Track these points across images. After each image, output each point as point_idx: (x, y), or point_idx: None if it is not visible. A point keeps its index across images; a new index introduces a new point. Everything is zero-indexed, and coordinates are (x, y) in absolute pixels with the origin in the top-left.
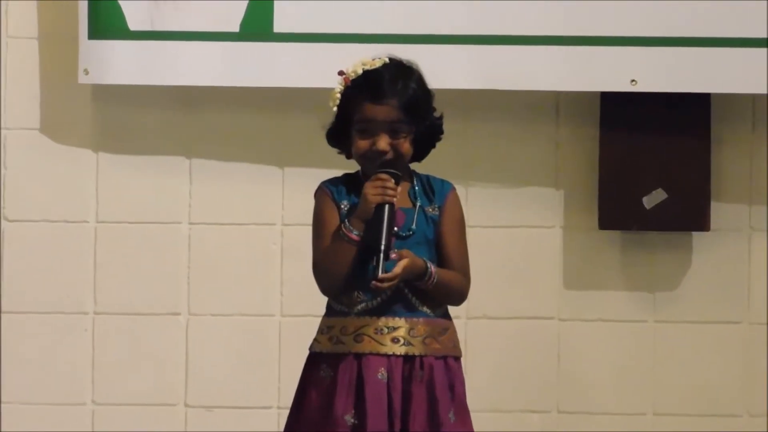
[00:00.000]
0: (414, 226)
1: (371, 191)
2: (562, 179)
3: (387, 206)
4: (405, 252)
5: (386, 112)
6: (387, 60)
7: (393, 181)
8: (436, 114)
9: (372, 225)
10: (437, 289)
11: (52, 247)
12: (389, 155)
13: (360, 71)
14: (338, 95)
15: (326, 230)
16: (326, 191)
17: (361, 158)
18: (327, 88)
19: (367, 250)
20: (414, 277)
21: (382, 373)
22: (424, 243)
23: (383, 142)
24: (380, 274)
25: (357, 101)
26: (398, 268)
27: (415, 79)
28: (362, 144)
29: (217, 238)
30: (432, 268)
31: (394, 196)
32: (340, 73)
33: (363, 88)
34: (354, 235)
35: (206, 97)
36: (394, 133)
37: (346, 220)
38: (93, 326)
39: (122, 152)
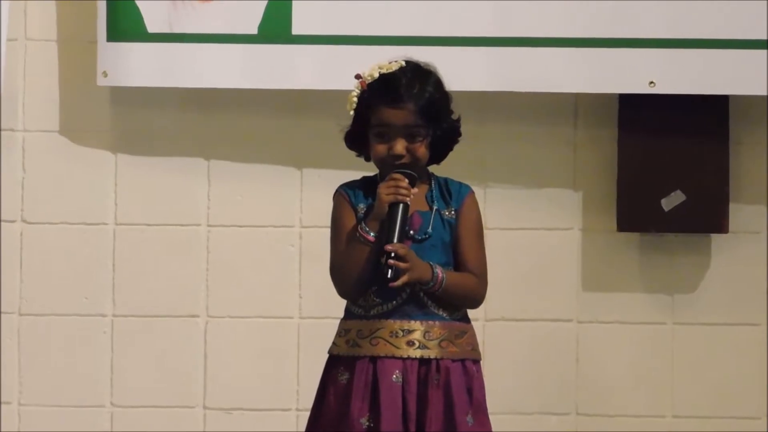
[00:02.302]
0: (430, 230)
1: (384, 191)
2: (580, 181)
3: (400, 205)
4: (406, 264)
5: (403, 117)
6: (403, 63)
7: (407, 181)
8: (454, 116)
9: (385, 224)
10: (446, 293)
11: (71, 249)
12: (406, 159)
13: (376, 75)
14: (355, 99)
15: (343, 233)
16: (343, 195)
17: (379, 162)
18: (345, 90)
19: (382, 250)
20: (422, 282)
21: (396, 376)
22: (440, 246)
23: (400, 147)
24: (391, 275)
25: (374, 105)
26: (403, 278)
27: (432, 82)
28: (379, 148)
29: (235, 240)
30: (439, 272)
31: (408, 196)
32: (357, 76)
33: (379, 92)
34: (370, 236)
35: (224, 99)
36: (411, 137)
37: (362, 222)
38: (112, 329)
39: (141, 154)
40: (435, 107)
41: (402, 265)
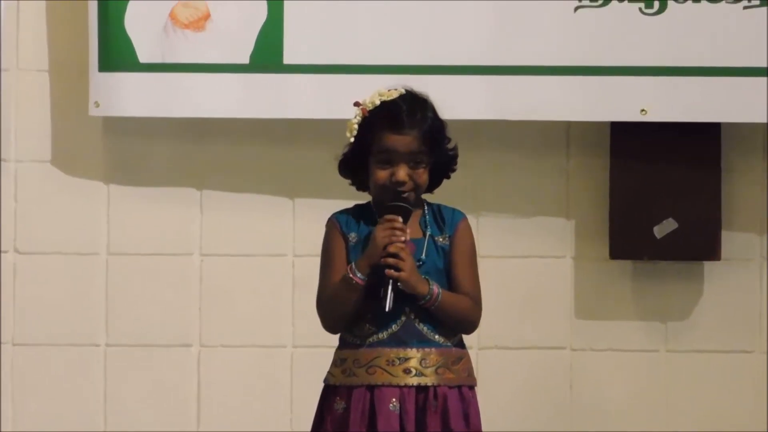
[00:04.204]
0: (424, 256)
1: (380, 233)
2: (572, 209)
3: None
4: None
5: (407, 143)
6: (403, 91)
7: (401, 220)
8: (450, 144)
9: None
10: (441, 311)
11: (64, 279)
12: (408, 186)
13: (378, 102)
14: (356, 126)
15: (332, 264)
16: (335, 223)
17: (380, 188)
18: (338, 119)
19: (377, 283)
20: (417, 293)
21: (393, 404)
22: (434, 273)
23: (402, 173)
24: (390, 306)
25: (376, 132)
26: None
27: (430, 109)
28: (382, 174)
29: (228, 269)
30: (435, 288)
31: (403, 239)
32: (356, 104)
33: (383, 119)
34: (359, 278)
35: (216, 129)
36: (413, 164)
37: (353, 263)
38: (105, 358)
39: (133, 184)
40: (436, 134)
41: (391, 260)
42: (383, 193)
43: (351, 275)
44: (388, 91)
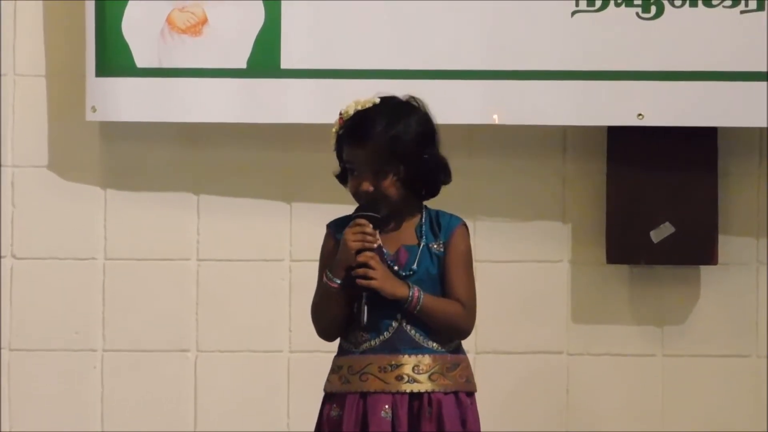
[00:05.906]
0: (415, 266)
1: (351, 237)
2: (569, 213)
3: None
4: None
5: (365, 155)
6: (377, 100)
7: (371, 226)
8: (435, 151)
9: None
10: (425, 315)
11: (61, 284)
12: (374, 195)
13: (352, 112)
14: (334, 135)
15: (322, 273)
16: (330, 232)
17: (354, 197)
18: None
19: (354, 295)
20: (397, 297)
21: (386, 411)
22: (426, 280)
23: (365, 184)
24: (365, 320)
25: (344, 143)
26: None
27: (404, 119)
28: (352, 184)
29: (225, 274)
30: (416, 291)
31: (374, 243)
32: (339, 113)
33: (348, 130)
34: (334, 283)
35: (214, 134)
36: (377, 175)
37: (327, 269)
38: (102, 363)
39: (130, 189)
40: (401, 144)
41: (360, 271)
42: (358, 201)
43: (326, 280)
44: (365, 100)
